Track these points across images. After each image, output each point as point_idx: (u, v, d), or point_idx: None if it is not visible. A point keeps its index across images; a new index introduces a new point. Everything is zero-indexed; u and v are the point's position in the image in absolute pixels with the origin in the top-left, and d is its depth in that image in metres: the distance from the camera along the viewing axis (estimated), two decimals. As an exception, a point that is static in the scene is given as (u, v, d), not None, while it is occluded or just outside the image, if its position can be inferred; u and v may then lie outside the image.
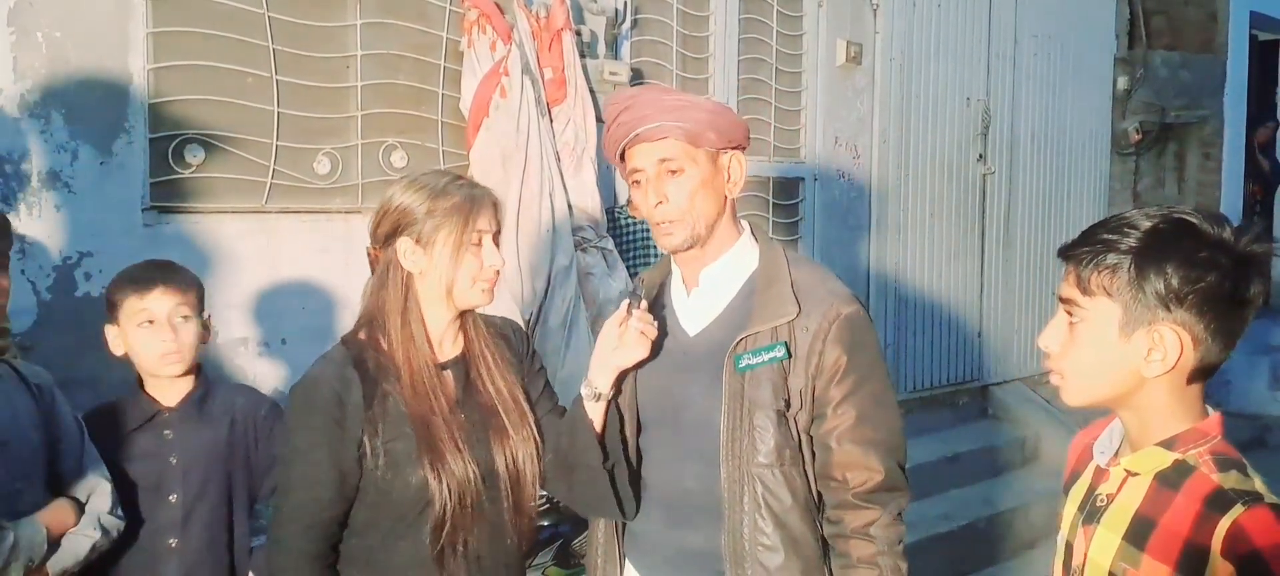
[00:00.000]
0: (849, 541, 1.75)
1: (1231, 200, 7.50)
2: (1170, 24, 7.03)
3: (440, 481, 1.73)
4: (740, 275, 1.86)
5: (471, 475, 1.76)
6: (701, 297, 1.87)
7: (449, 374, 1.85)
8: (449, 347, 1.87)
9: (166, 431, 2.14)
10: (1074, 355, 1.35)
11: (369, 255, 1.88)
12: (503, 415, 1.85)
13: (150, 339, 2.10)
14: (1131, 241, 1.28)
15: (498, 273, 1.84)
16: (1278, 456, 6.40)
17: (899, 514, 1.78)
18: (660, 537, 1.87)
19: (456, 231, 1.78)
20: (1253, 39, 7.70)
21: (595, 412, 1.79)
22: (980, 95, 5.75)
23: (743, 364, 1.76)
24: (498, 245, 1.85)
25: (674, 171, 1.79)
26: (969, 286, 5.83)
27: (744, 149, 1.87)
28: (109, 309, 2.15)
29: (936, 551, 4.50)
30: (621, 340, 1.76)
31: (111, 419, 2.15)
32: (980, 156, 5.79)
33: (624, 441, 1.88)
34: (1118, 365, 1.31)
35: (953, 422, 5.74)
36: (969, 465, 5.27)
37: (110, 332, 2.15)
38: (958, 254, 5.72)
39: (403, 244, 1.79)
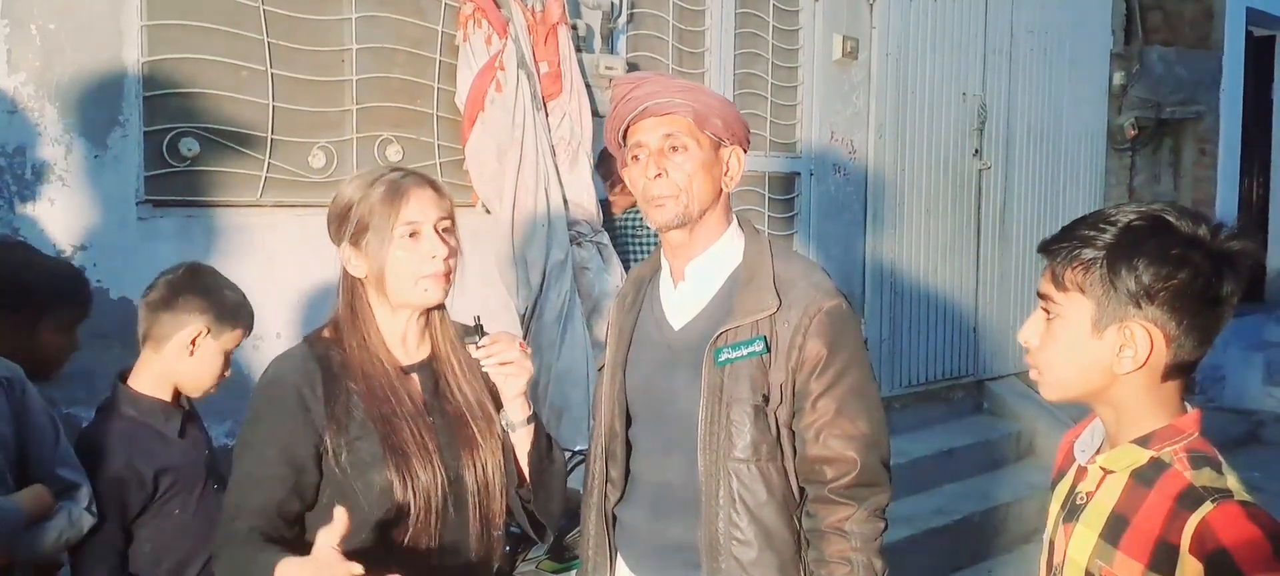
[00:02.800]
0: (824, 536, 1.74)
1: (1227, 196, 7.50)
2: (1166, 19, 7.04)
3: (406, 484, 1.64)
4: (725, 268, 1.86)
5: (439, 480, 1.68)
6: (687, 291, 1.88)
7: (415, 377, 1.76)
8: (415, 349, 1.78)
9: (195, 430, 2.22)
10: (1050, 351, 1.36)
11: None
12: (471, 423, 1.76)
13: (216, 365, 2.15)
14: (1106, 238, 1.29)
15: (448, 265, 1.71)
16: (1272, 452, 6.42)
17: (877, 510, 1.75)
18: (646, 529, 1.89)
19: (382, 228, 1.66)
20: (1248, 35, 7.69)
21: (516, 440, 1.81)
22: (976, 90, 5.75)
23: (722, 358, 1.76)
24: (450, 233, 1.73)
25: (676, 148, 1.79)
26: (964, 281, 5.84)
27: (745, 148, 1.88)
28: (167, 320, 2.09)
29: (931, 545, 4.52)
30: (498, 376, 1.76)
31: (156, 423, 2.13)
32: (976, 151, 5.79)
33: (614, 433, 1.91)
34: (1091, 362, 1.32)
35: (948, 417, 5.76)
36: (964, 460, 5.29)
37: (190, 341, 2.10)
38: (953, 249, 5.73)
39: (343, 250, 1.72)
